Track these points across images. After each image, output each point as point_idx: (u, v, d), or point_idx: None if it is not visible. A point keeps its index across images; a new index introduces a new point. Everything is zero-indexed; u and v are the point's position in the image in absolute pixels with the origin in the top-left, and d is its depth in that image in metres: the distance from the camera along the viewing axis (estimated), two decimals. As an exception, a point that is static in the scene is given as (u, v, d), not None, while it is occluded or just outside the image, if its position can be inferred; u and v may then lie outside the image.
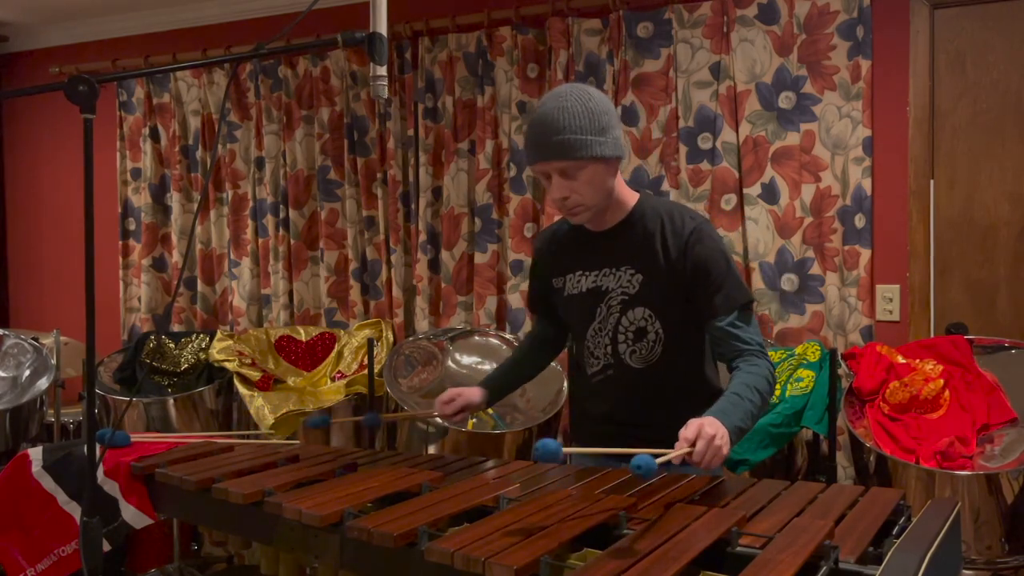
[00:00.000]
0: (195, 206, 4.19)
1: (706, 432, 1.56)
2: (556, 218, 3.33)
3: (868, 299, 3.00)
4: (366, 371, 3.31)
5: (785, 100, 3.09)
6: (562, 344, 2.23)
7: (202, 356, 3.65)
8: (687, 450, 1.55)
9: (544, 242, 2.09)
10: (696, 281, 1.83)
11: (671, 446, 1.58)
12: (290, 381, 3.54)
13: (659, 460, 1.42)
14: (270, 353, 3.64)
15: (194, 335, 3.78)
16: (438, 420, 2.92)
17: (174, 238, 4.21)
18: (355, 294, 3.82)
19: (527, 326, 3.47)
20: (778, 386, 2.75)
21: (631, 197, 1.92)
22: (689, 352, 1.92)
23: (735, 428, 1.64)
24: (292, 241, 3.93)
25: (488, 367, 3.38)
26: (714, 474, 1.71)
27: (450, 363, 3.40)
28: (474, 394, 2.09)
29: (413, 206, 3.69)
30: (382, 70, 1.73)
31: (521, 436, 2.96)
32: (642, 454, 1.38)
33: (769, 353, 2.86)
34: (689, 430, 1.57)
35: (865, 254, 2.99)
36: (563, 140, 1.76)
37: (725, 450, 1.58)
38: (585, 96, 1.79)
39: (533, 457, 1.50)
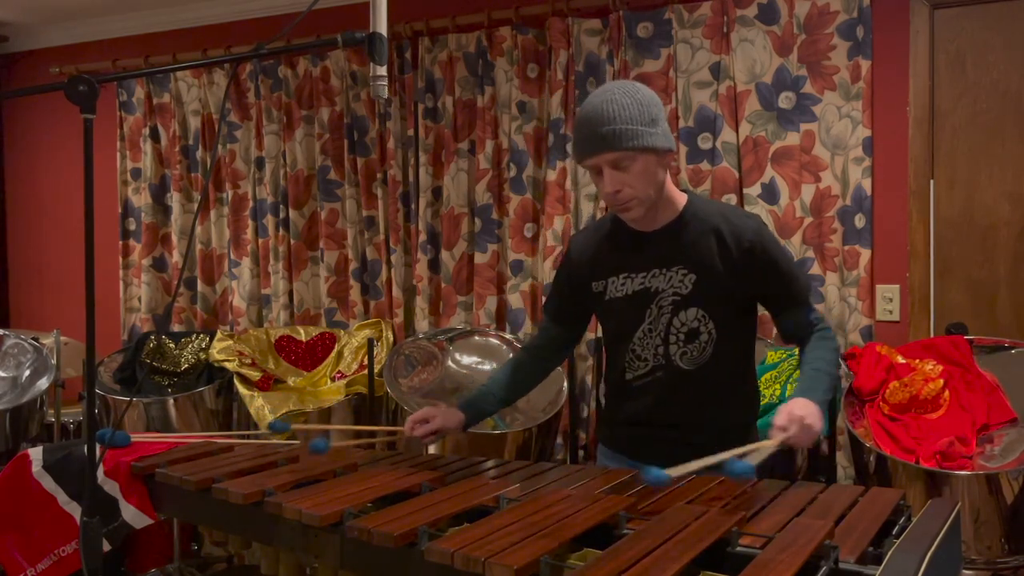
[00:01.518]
0: (195, 206, 4.19)
1: (796, 414, 1.63)
2: (556, 218, 3.35)
3: (868, 299, 3.00)
4: (366, 371, 3.32)
5: (785, 100, 3.09)
6: (566, 355, 2.20)
7: (202, 356, 3.65)
8: (784, 436, 1.62)
9: (580, 245, 2.03)
10: (768, 278, 1.85)
11: (704, 448, 1.61)
12: (290, 381, 3.54)
13: (756, 459, 1.52)
14: (270, 353, 3.64)
15: (194, 335, 3.78)
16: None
17: (174, 238, 4.21)
18: (355, 294, 3.82)
19: (527, 326, 3.47)
20: (778, 386, 2.75)
21: (680, 196, 1.90)
22: (738, 353, 1.93)
23: (821, 402, 1.71)
24: (292, 241, 3.93)
25: (488, 367, 3.38)
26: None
27: (450, 363, 3.40)
28: (451, 419, 2.02)
29: (413, 206, 3.69)
30: (382, 70, 1.73)
31: (521, 436, 2.96)
32: (737, 461, 1.48)
33: (768, 353, 2.90)
34: (780, 417, 1.64)
35: (865, 254, 3.00)
36: (613, 131, 1.74)
37: (818, 426, 1.64)
38: (632, 89, 1.79)
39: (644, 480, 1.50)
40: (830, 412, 2.63)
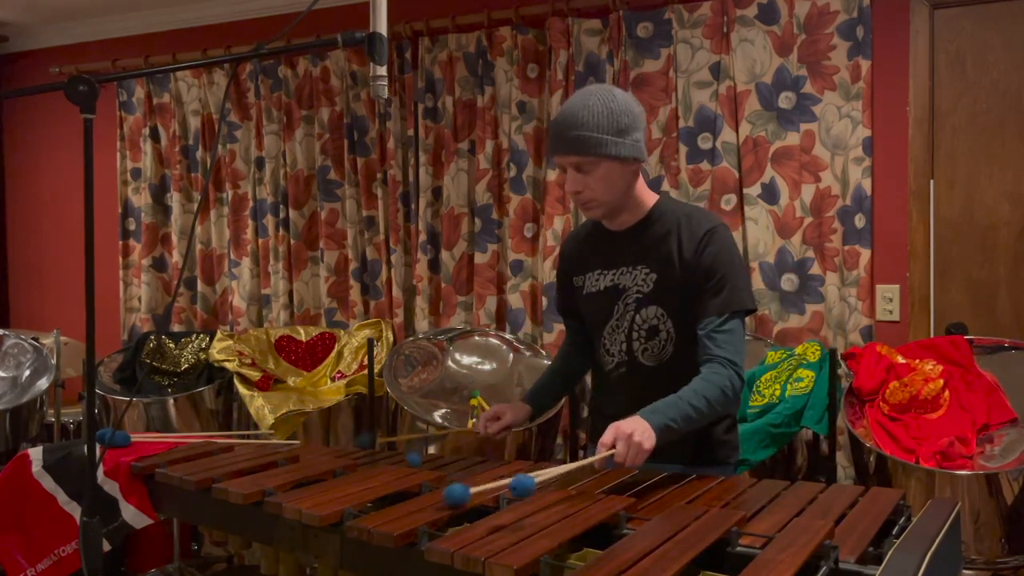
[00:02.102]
0: (195, 206, 4.19)
1: (623, 431, 1.63)
2: (556, 218, 3.35)
3: (868, 299, 3.00)
4: (366, 371, 3.31)
5: (785, 100, 3.09)
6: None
7: (202, 356, 3.65)
8: (607, 453, 1.61)
9: (569, 243, 2.15)
10: (701, 279, 1.85)
11: (682, 447, 1.65)
12: (290, 381, 3.54)
13: (541, 477, 1.55)
14: (270, 353, 3.64)
15: (194, 335, 3.78)
16: (430, 432, 2.93)
17: (174, 238, 4.21)
18: (355, 294, 3.82)
19: (527, 326, 3.47)
20: (778, 386, 2.75)
21: (650, 198, 1.97)
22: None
23: (662, 426, 1.69)
24: (292, 241, 3.93)
25: (488, 367, 3.38)
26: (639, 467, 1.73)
27: (450, 363, 3.40)
28: (520, 412, 2.11)
29: (413, 206, 3.69)
30: (382, 70, 1.73)
31: (521, 436, 2.96)
32: (522, 475, 1.50)
33: (768, 353, 2.90)
34: (607, 435, 1.65)
35: (865, 254, 2.99)
36: (580, 136, 1.82)
37: (647, 445, 1.64)
38: (609, 96, 1.85)
39: (512, 494, 1.53)
40: (830, 412, 2.63)
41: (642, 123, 1.89)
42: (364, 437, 2.10)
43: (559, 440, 3.31)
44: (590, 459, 1.65)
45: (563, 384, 2.28)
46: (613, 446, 1.63)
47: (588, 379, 2.20)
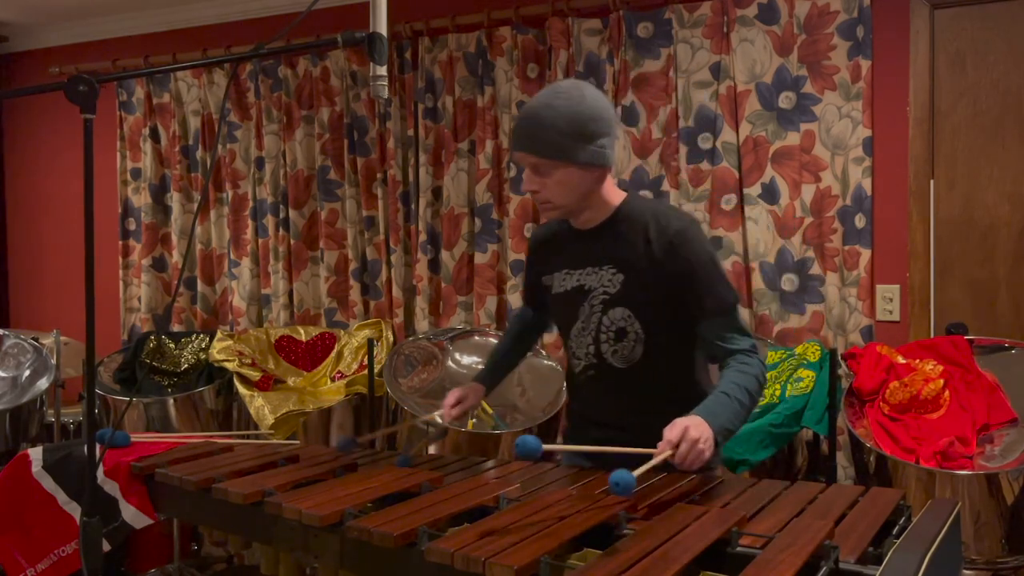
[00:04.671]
0: (195, 206, 4.19)
1: (690, 436, 1.56)
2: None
3: (868, 299, 3.00)
4: (366, 371, 3.31)
5: (785, 100, 3.09)
6: (544, 329, 2.27)
7: (202, 356, 3.65)
8: (669, 452, 1.55)
9: (537, 239, 2.09)
10: (684, 283, 1.79)
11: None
12: (290, 381, 3.54)
13: (639, 471, 1.45)
14: (270, 353, 3.64)
15: (194, 335, 3.78)
16: (422, 424, 2.93)
17: (174, 238, 4.21)
18: (355, 294, 3.82)
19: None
20: (778, 386, 2.75)
21: (617, 197, 1.89)
22: (672, 354, 1.87)
23: (722, 429, 1.63)
24: (292, 241, 3.93)
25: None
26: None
27: (450, 363, 3.40)
28: (477, 392, 2.11)
29: (413, 206, 3.69)
30: (382, 70, 1.73)
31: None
32: (621, 471, 1.40)
33: (768, 353, 2.90)
34: (674, 431, 1.57)
35: (865, 254, 2.99)
36: (540, 137, 1.76)
37: (707, 454, 1.58)
38: (578, 97, 1.77)
39: (515, 454, 1.51)
40: (830, 412, 2.63)
41: (610, 128, 1.80)
42: (344, 440, 2.07)
43: (559, 440, 3.31)
44: (651, 456, 1.55)
45: (513, 362, 2.28)
46: (677, 444, 1.56)
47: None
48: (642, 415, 1.80)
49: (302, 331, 3.73)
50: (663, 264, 1.80)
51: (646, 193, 3.27)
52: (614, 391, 1.89)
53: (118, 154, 4.35)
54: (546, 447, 1.48)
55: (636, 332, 1.83)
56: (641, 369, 1.85)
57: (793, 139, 3.08)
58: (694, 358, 1.90)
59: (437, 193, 3.66)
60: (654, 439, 1.59)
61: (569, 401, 2.14)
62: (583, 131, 1.75)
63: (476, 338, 3.47)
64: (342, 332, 3.72)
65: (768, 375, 2.80)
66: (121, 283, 4.35)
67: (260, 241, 4.03)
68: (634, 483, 1.40)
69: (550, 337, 3.39)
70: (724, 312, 1.79)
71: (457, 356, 3.43)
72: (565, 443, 2.15)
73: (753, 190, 3.13)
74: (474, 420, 3.17)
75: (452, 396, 2.08)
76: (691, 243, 1.79)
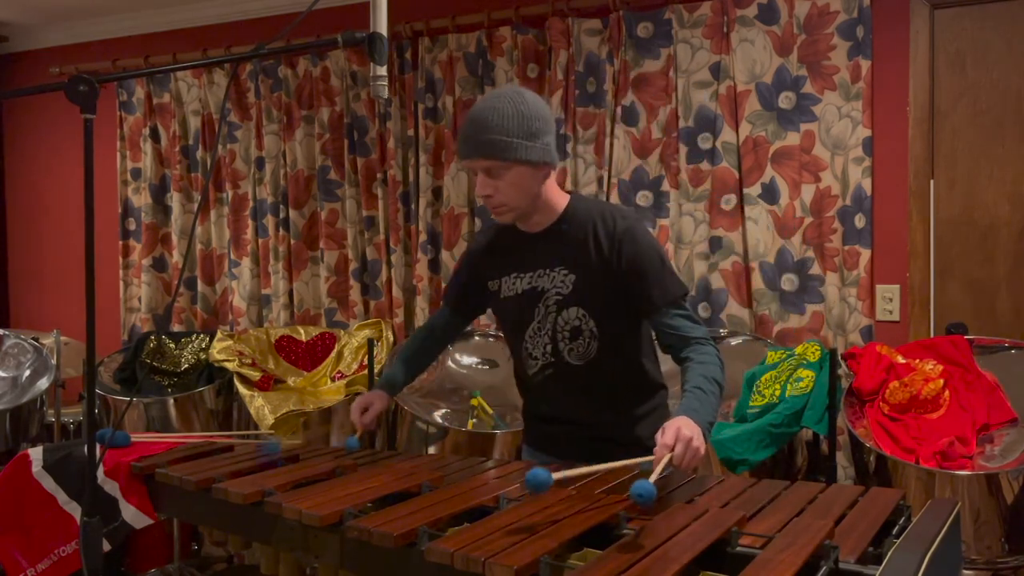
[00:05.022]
0: (195, 206, 4.19)
1: (684, 435, 1.60)
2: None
3: (868, 299, 3.00)
4: (366, 371, 3.31)
5: (785, 100, 3.09)
6: (455, 336, 2.31)
7: (202, 356, 3.65)
8: (668, 455, 1.58)
9: (480, 243, 2.11)
10: (632, 280, 1.86)
11: (618, 444, 1.71)
12: (290, 381, 3.54)
13: (653, 478, 1.46)
14: (270, 353, 3.64)
15: (194, 335, 3.78)
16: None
17: (174, 238, 4.21)
18: (355, 294, 3.82)
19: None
20: (778, 386, 2.75)
21: (562, 199, 1.94)
22: (625, 348, 1.94)
23: (706, 424, 1.69)
24: (292, 241, 3.93)
25: (488, 367, 3.38)
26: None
27: (450, 363, 3.40)
28: (382, 400, 2.14)
29: (413, 206, 3.69)
30: (382, 70, 1.73)
31: (521, 436, 2.96)
32: (641, 482, 1.41)
33: (768, 353, 2.90)
34: (667, 435, 1.61)
35: (865, 254, 2.99)
36: (490, 140, 1.80)
37: (702, 450, 1.63)
38: (519, 99, 1.83)
39: (526, 489, 1.51)
40: (830, 412, 2.63)
41: (552, 127, 1.88)
42: (352, 441, 2.09)
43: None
44: (654, 461, 1.58)
45: (419, 369, 2.29)
46: (672, 447, 1.60)
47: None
48: (599, 409, 1.91)
49: (302, 331, 3.73)
50: (611, 262, 1.86)
51: (645, 194, 3.27)
52: (573, 388, 1.94)
53: (118, 154, 4.35)
54: (556, 475, 1.49)
55: (591, 330, 1.90)
56: (597, 365, 1.91)
57: (793, 139, 3.08)
58: (642, 348, 1.97)
59: (437, 193, 3.66)
60: (608, 430, 1.73)
61: (522, 401, 2.14)
62: (530, 129, 1.81)
63: (476, 338, 3.47)
64: (342, 332, 3.72)
65: (768, 375, 2.81)
66: (121, 283, 4.35)
67: (260, 241, 4.03)
68: (655, 492, 1.42)
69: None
70: (673, 303, 1.85)
71: (457, 356, 3.43)
72: (524, 444, 2.16)
73: (753, 190, 3.13)
74: (474, 420, 3.17)
75: (359, 405, 2.12)
76: (637, 241, 1.85)
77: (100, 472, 2.02)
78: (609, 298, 1.88)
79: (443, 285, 3.65)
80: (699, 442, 1.62)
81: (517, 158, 1.81)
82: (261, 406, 3.15)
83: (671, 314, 1.85)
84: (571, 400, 1.96)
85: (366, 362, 3.34)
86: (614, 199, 3.29)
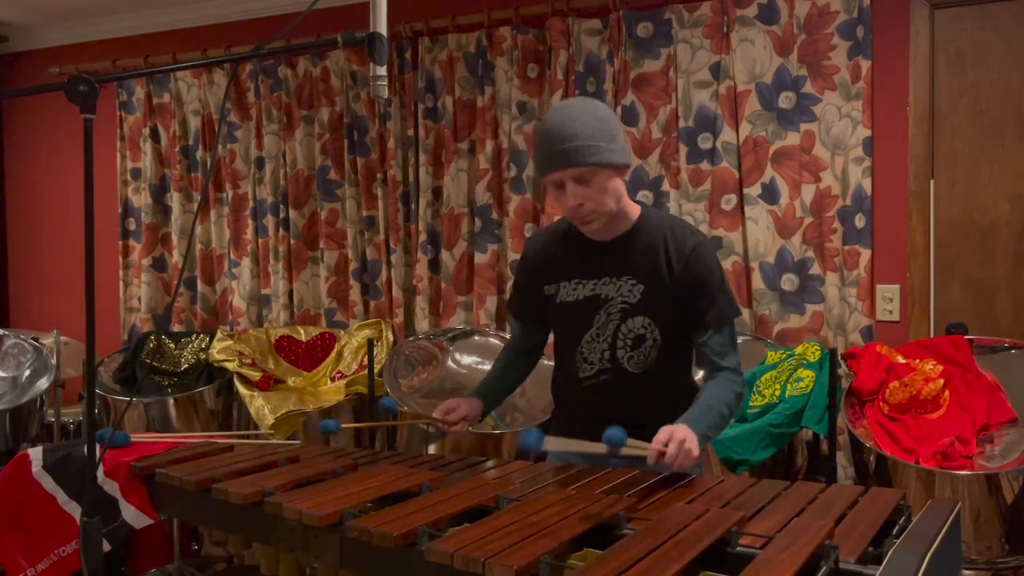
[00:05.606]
0: (195, 206, 4.19)
1: (677, 437, 1.68)
2: (556, 218, 3.34)
3: (868, 299, 3.00)
4: (366, 371, 3.31)
5: (785, 100, 3.09)
6: (540, 353, 2.24)
7: (202, 356, 3.65)
8: (659, 451, 1.66)
9: (536, 250, 2.10)
10: (692, 295, 1.90)
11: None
12: (290, 381, 3.54)
13: (630, 450, 1.59)
14: (270, 353, 3.64)
15: (194, 335, 3.78)
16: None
17: (174, 238, 4.21)
18: (355, 294, 3.82)
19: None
20: (778, 386, 2.75)
21: (634, 209, 1.98)
22: (680, 357, 2.01)
23: (702, 434, 1.76)
24: (292, 241, 3.93)
25: (488, 367, 3.37)
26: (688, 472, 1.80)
27: (450, 363, 3.40)
28: (475, 407, 2.09)
29: (413, 206, 3.69)
30: (382, 70, 1.73)
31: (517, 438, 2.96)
32: (615, 428, 1.54)
33: (768, 353, 2.90)
34: (662, 435, 1.69)
35: (865, 254, 2.99)
36: (576, 147, 1.81)
37: (694, 453, 1.69)
38: (591, 106, 1.87)
39: (519, 448, 1.56)
40: (830, 412, 2.63)
41: (622, 130, 1.93)
42: (327, 423, 2.05)
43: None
44: (645, 451, 1.66)
45: (510, 386, 2.24)
46: (666, 444, 1.67)
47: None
48: (650, 414, 1.89)
49: (302, 331, 3.73)
50: (680, 276, 1.90)
51: (646, 194, 3.27)
52: (625, 393, 1.96)
53: (118, 154, 4.35)
54: (548, 438, 1.56)
55: (655, 339, 1.94)
56: (653, 373, 1.96)
57: (793, 139, 3.08)
58: (690, 357, 2.04)
59: (437, 193, 3.66)
60: (648, 433, 1.72)
61: (558, 401, 2.13)
62: (610, 132, 1.85)
63: (476, 338, 3.47)
64: (342, 332, 3.72)
65: (768, 375, 2.81)
66: (121, 283, 4.35)
67: (260, 241, 4.03)
68: (625, 436, 1.55)
69: (550, 337, 3.38)
70: (725, 324, 1.93)
71: (457, 356, 3.43)
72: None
73: (753, 190, 3.13)
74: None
75: (445, 405, 2.07)
76: (704, 259, 1.92)
77: (100, 472, 2.02)
78: (673, 309, 1.92)
79: (443, 285, 3.65)
80: (692, 445, 1.69)
81: (604, 161, 1.83)
82: (261, 406, 3.16)
83: (717, 336, 1.92)
84: (621, 404, 1.96)
85: (366, 362, 3.35)
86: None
